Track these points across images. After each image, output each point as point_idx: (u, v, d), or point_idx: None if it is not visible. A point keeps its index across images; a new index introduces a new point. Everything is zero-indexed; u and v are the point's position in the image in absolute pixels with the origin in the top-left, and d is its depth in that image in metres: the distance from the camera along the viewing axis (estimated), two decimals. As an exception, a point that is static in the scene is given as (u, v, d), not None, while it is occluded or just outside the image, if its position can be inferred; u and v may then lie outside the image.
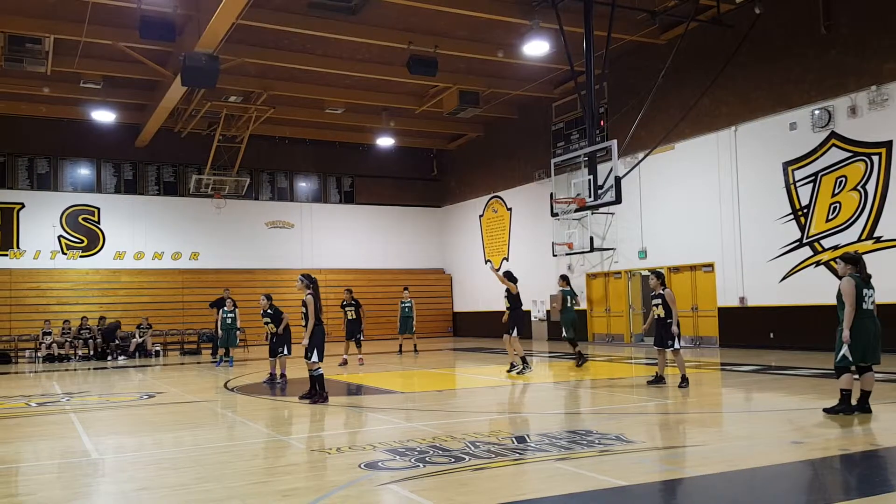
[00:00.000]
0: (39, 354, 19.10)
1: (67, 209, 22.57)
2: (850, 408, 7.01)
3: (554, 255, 21.20)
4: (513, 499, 4.52)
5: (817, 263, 14.79)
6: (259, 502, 4.53)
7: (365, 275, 26.25)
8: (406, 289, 18.59)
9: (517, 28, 16.54)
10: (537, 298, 22.61)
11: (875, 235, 13.85)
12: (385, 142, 25.94)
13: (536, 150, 22.30)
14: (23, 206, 22.01)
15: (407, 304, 18.05)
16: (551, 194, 18.40)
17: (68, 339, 19.48)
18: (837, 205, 14.54)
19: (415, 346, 18.49)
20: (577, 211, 17.64)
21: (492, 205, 25.47)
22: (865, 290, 7.01)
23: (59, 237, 22.33)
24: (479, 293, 25.35)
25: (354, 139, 25.99)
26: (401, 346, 18.49)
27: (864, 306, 6.97)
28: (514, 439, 6.23)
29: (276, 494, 4.67)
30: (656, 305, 9.83)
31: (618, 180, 15.16)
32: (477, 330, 25.12)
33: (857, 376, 7.15)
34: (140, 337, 19.88)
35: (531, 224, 22.92)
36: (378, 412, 8.42)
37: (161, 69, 17.73)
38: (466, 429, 6.81)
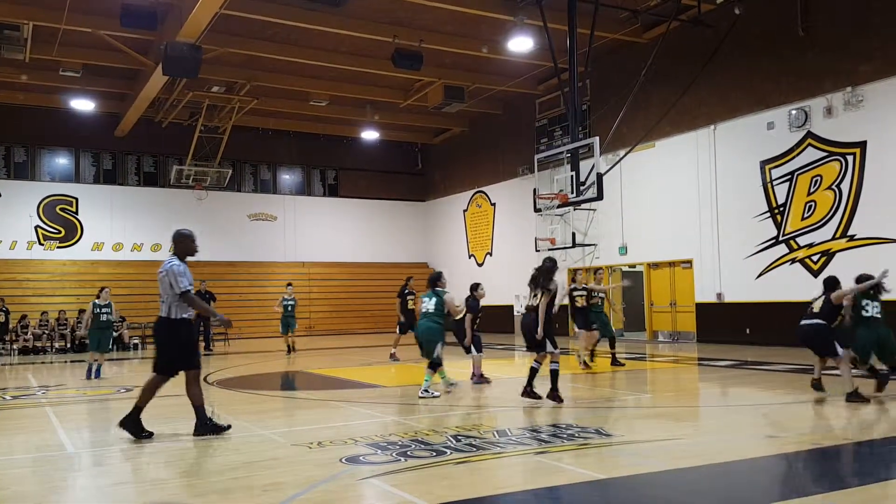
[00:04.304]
0: (15, 346, 18.74)
1: (45, 199, 22.24)
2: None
3: (537, 251, 21.24)
4: (493, 492, 4.57)
5: (793, 261, 15.03)
6: (239, 497, 4.52)
7: (348, 268, 26.19)
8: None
9: (502, 24, 16.56)
10: (520, 293, 22.69)
11: (849, 234, 14.10)
12: (370, 135, 25.84)
13: (520, 146, 22.36)
14: (-1, 195, 21.69)
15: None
16: (534, 190, 18.48)
17: (46, 332, 19.18)
18: (813, 203, 14.78)
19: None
20: (559, 207, 17.77)
21: (476, 200, 25.50)
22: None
23: (36, 227, 21.98)
24: (463, 288, 25.31)
25: (339, 132, 25.85)
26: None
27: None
28: (495, 433, 6.29)
29: (256, 489, 4.67)
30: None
31: (599, 177, 15.30)
32: (459, 324, 25.09)
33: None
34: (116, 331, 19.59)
35: (514, 219, 23.00)
36: (360, 406, 8.44)
37: (142, 58, 17.50)
38: (448, 423, 6.86)
